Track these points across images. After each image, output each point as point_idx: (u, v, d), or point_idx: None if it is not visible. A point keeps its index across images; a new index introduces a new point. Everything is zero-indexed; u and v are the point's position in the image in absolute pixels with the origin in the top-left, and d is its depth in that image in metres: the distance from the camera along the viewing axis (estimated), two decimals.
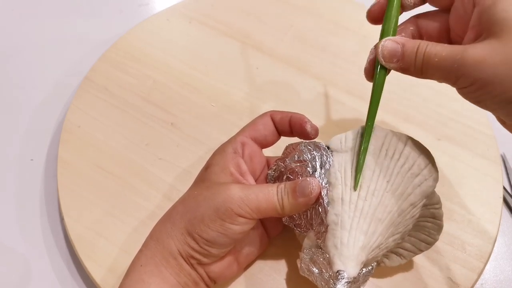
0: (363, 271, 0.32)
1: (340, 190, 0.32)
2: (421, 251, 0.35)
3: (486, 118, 0.47)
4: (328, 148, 0.34)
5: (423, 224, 0.34)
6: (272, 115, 0.36)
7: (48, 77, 0.52)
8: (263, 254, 0.37)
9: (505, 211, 0.44)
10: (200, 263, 0.32)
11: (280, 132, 0.37)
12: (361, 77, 0.50)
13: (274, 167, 0.36)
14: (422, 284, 0.37)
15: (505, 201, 0.44)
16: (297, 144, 0.35)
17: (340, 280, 0.30)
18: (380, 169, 0.32)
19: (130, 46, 0.51)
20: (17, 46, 0.55)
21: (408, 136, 0.34)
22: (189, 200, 0.34)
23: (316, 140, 0.36)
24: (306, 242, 0.33)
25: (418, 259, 0.38)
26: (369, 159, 0.32)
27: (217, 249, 0.32)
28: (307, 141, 0.35)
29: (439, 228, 0.34)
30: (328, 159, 0.33)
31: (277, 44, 0.52)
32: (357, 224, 0.31)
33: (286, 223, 0.35)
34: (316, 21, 0.54)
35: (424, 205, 0.33)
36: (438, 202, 0.34)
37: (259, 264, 0.37)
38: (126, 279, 0.32)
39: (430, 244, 0.34)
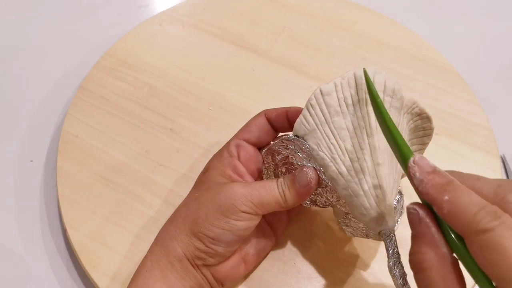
0: (396, 202, 0.33)
1: (333, 167, 0.32)
2: (427, 143, 0.35)
3: (482, 111, 0.47)
4: (297, 136, 0.33)
5: (414, 125, 0.34)
6: (266, 114, 0.36)
7: (45, 82, 0.52)
8: (270, 255, 0.37)
9: None
10: (206, 264, 0.32)
11: (278, 129, 0.36)
12: None
13: (265, 172, 0.36)
14: None
15: None
16: (268, 148, 0.35)
17: (385, 237, 0.31)
18: (351, 121, 0.32)
19: (123, 53, 0.51)
20: (15, 49, 0.55)
21: (353, 70, 0.32)
22: (191, 202, 0.34)
23: (281, 135, 0.36)
24: (338, 213, 0.34)
25: None
26: (336, 121, 0.32)
27: (223, 247, 0.32)
28: (274, 141, 0.34)
29: (428, 119, 0.34)
30: (305, 146, 0.33)
31: (272, 46, 0.52)
32: (367, 184, 0.31)
33: (309, 207, 0.35)
34: (308, 21, 0.55)
35: (405, 113, 0.33)
36: (414, 102, 0.34)
37: (266, 266, 0.37)
38: (131, 285, 0.32)
39: (430, 134, 0.35)
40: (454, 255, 0.24)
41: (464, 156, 0.44)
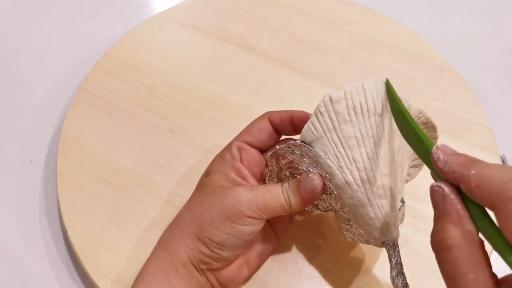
0: (399, 212, 0.32)
1: (340, 176, 0.32)
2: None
3: (482, 110, 0.47)
4: (304, 142, 0.33)
5: None
6: (270, 117, 0.35)
7: (44, 83, 0.52)
8: (271, 256, 0.37)
9: None
10: (210, 268, 0.32)
11: (281, 131, 0.36)
12: (355, 75, 0.50)
13: (268, 175, 0.35)
14: (436, 275, 0.37)
15: None
16: (274, 151, 0.34)
17: (389, 247, 0.31)
18: (359, 130, 0.31)
19: (123, 54, 0.51)
20: (15, 49, 0.55)
21: (360, 81, 0.32)
22: (195, 206, 0.33)
23: (284, 137, 0.36)
24: (340, 219, 0.34)
25: (430, 253, 0.38)
26: (344, 129, 0.31)
27: (228, 252, 0.32)
28: (280, 145, 0.34)
29: (433, 128, 0.34)
30: (312, 152, 0.32)
31: (271, 46, 0.52)
32: (372, 194, 0.31)
33: (311, 209, 0.35)
34: (308, 21, 0.55)
35: None
36: (421, 111, 0.33)
37: (268, 267, 0.37)
38: None
39: (434, 143, 0.34)
40: (480, 235, 0.23)
41: None
